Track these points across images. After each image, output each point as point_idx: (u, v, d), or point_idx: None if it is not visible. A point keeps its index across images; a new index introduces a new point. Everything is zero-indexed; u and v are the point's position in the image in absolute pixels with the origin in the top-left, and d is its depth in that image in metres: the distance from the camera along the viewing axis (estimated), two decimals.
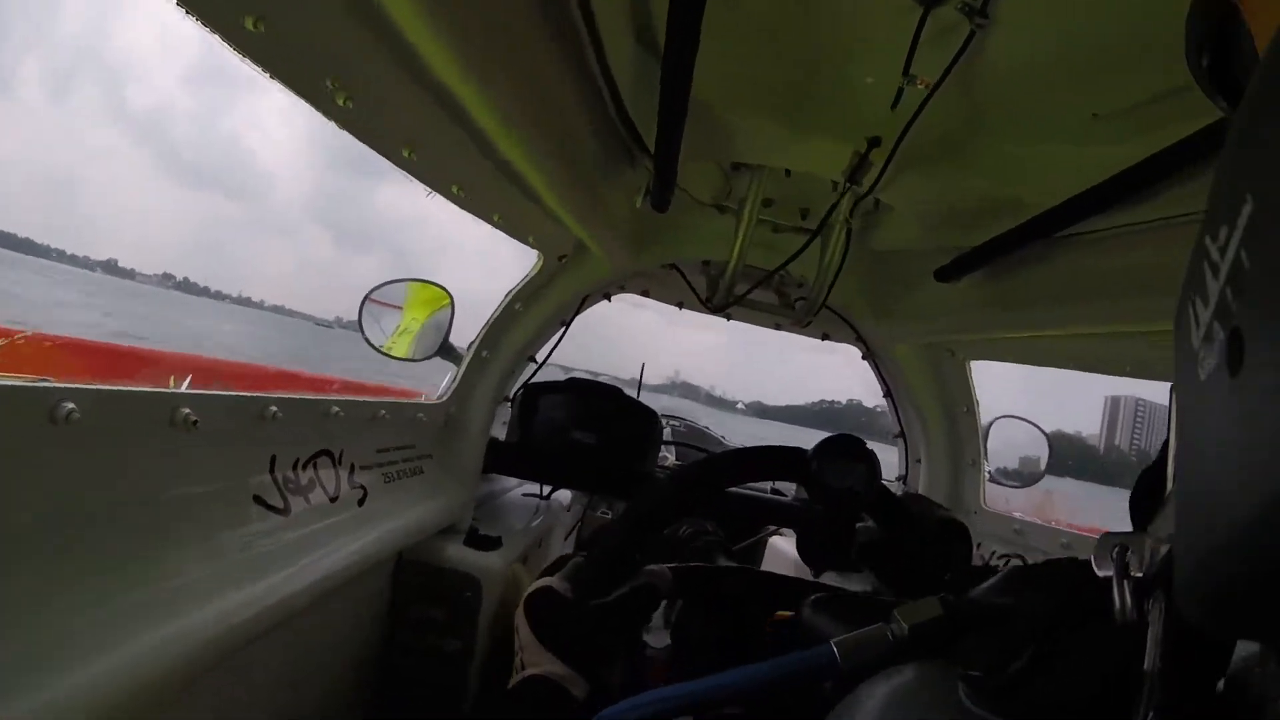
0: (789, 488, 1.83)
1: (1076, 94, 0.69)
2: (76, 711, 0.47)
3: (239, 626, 0.65)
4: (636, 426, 1.53)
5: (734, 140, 0.97)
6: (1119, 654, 0.31)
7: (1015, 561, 1.33)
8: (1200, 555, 0.18)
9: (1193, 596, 0.20)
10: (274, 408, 0.79)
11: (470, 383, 1.36)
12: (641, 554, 0.88)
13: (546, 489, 1.70)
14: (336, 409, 0.92)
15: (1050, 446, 1.56)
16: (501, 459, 1.45)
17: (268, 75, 0.59)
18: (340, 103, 0.65)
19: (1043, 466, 1.57)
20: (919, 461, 1.59)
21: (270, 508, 0.79)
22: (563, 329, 1.49)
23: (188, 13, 0.48)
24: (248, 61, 0.56)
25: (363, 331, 1.34)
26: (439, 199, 0.94)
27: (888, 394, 1.66)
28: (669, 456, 1.99)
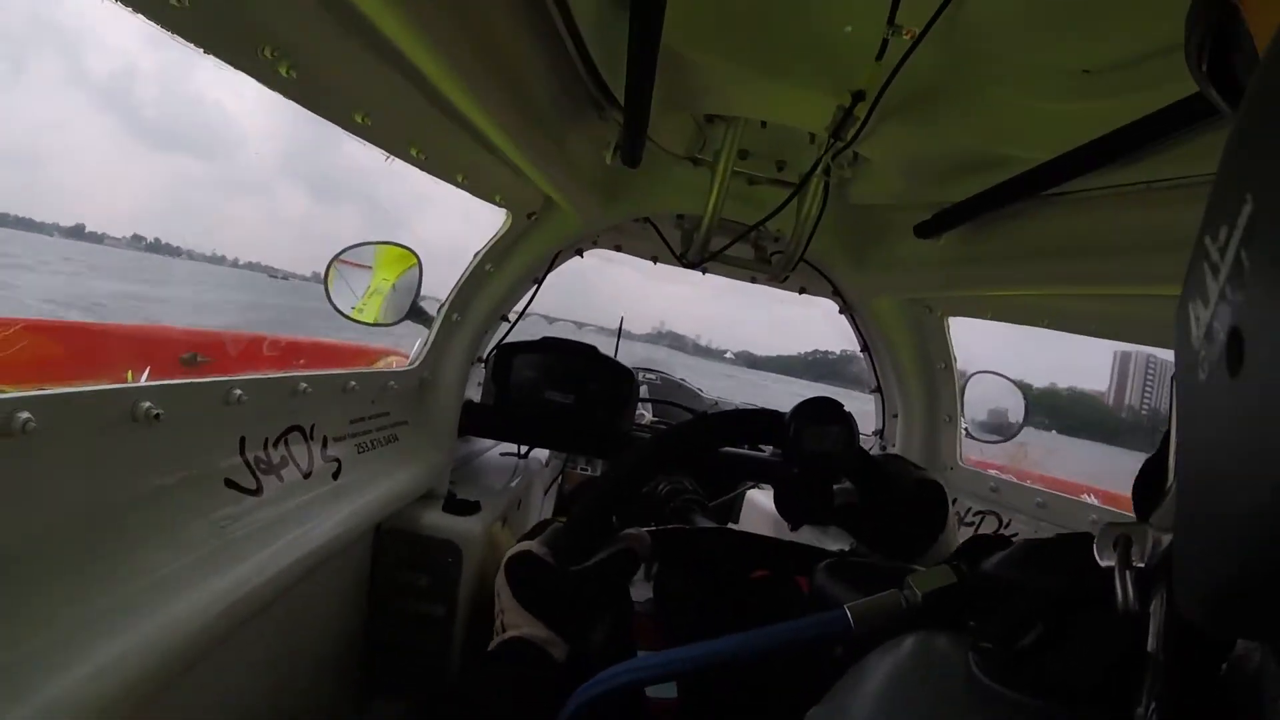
0: None
1: (1067, 48, 0.66)
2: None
3: (220, 615, 0.64)
4: (612, 385, 1.52)
5: (708, 91, 0.92)
6: (1125, 639, 0.31)
7: (990, 519, 1.36)
8: (1200, 555, 0.19)
9: (1193, 595, 0.20)
10: (239, 390, 0.76)
11: (442, 346, 1.33)
12: (620, 514, 0.89)
13: (524, 448, 1.70)
14: (305, 385, 0.89)
15: (1026, 402, 1.58)
16: (477, 421, 1.43)
17: (201, 51, 0.55)
18: (283, 72, 0.61)
19: (1019, 420, 1.59)
20: (895, 416, 1.61)
21: (243, 490, 0.78)
22: (535, 286, 1.45)
23: None
24: (178, 38, 0.52)
25: (330, 298, 1.30)
26: None
27: (865, 349, 1.66)
28: (646, 414, 1.99)
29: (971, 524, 1.39)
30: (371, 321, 1.32)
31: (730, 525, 1.76)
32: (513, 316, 1.46)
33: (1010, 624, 0.38)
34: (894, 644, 0.43)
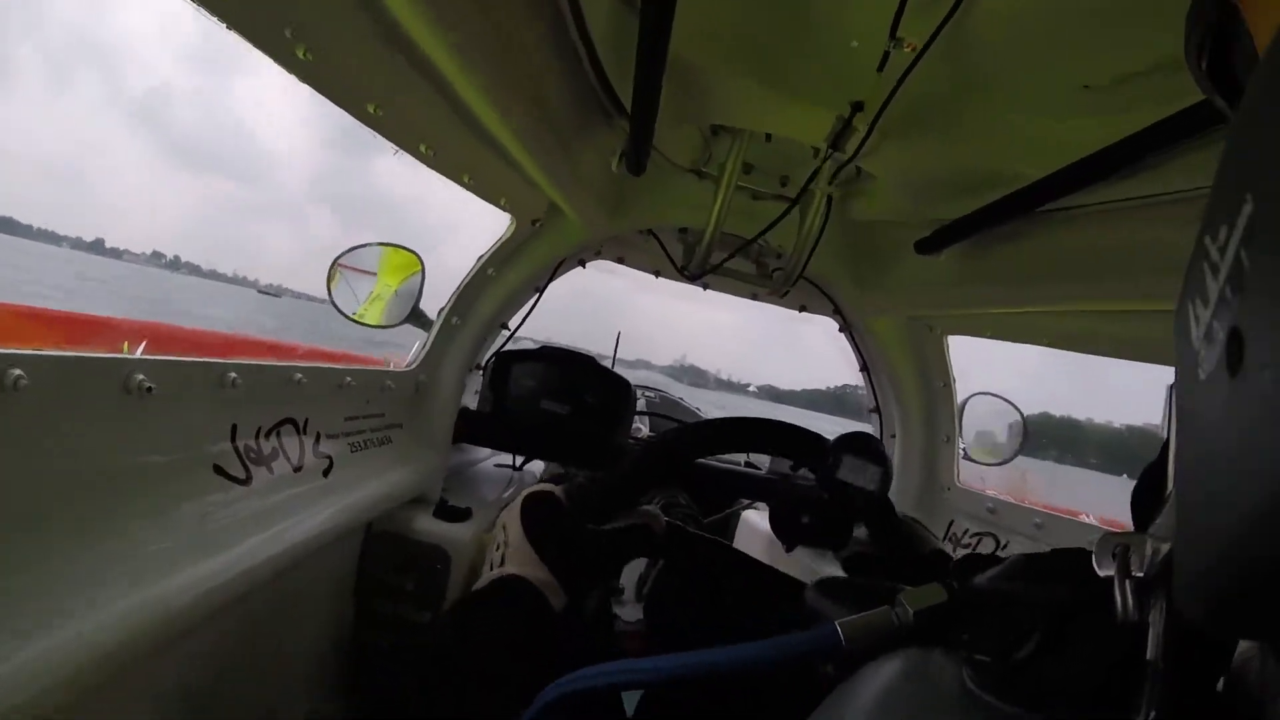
0: (762, 460, 1.83)
1: (1067, 64, 0.67)
2: (32, 682, 0.46)
3: (200, 599, 0.63)
4: (610, 396, 1.51)
5: (714, 102, 0.93)
6: (1123, 647, 0.31)
7: (988, 540, 1.34)
8: (1200, 556, 0.18)
9: (1193, 597, 0.19)
10: (234, 374, 0.76)
11: (440, 350, 1.33)
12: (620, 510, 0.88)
13: (519, 459, 1.68)
14: (300, 375, 0.89)
15: (1025, 425, 1.57)
16: (472, 428, 1.42)
17: (224, 26, 0.55)
18: (300, 55, 0.62)
19: (1017, 443, 1.57)
20: (894, 436, 1.60)
21: (231, 478, 0.77)
22: (537, 295, 1.45)
23: None
24: (202, 11, 0.53)
25: (332, 298, 1.30)
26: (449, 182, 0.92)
27: (864, 368, 1.66)
28: (643, 428, 1.98)
29: (968, 545, 1.38)
30: (375, 323, 1.32)
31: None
32: (513, 325, 1.46)
33: (1007, 635, 0.37)
34: (886, 659, 0.42)
